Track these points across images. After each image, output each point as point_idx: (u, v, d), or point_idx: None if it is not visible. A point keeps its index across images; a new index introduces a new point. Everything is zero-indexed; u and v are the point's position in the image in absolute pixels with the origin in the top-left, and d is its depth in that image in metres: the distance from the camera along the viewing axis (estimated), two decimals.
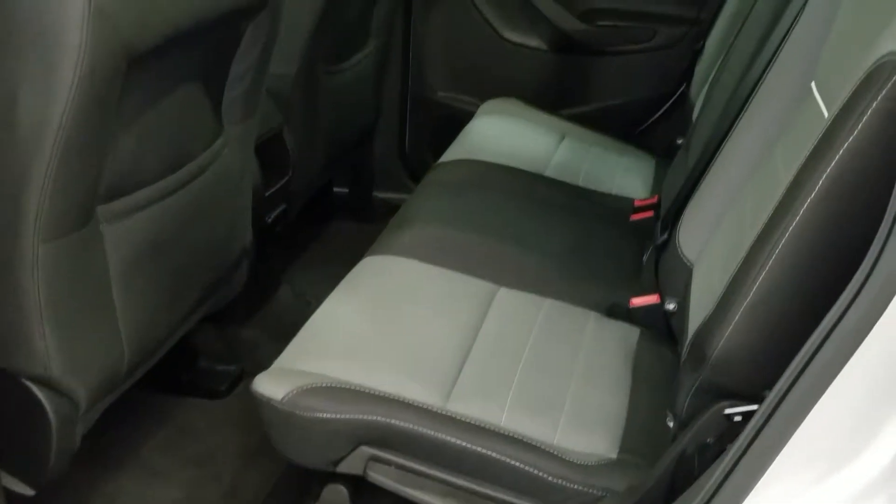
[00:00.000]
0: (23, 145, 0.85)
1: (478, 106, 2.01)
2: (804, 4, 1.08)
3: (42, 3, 0.80)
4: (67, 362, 0.99)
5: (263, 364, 1.03)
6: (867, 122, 0.64)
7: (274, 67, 1.38)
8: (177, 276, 1.18)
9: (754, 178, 1.02)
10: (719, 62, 1.58)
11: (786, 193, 0.74)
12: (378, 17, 1.93)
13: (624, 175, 1.81)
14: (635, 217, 1.59)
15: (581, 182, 1.74)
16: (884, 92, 0.63)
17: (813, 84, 0.94)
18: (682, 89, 1.99)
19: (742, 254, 0.81)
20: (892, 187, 0.57)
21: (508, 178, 1.68)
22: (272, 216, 1.59)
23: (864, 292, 0.56)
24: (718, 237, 1.03)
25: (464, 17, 2.11)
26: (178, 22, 0.95)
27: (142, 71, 0.93)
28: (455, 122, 1.97)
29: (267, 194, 1.53)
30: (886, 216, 0.56)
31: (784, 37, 1.12)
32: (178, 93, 1.08)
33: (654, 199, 1.60)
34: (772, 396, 0.64)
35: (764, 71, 1.15)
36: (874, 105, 0.64)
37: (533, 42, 2.11)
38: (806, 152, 0.77)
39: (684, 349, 0.89)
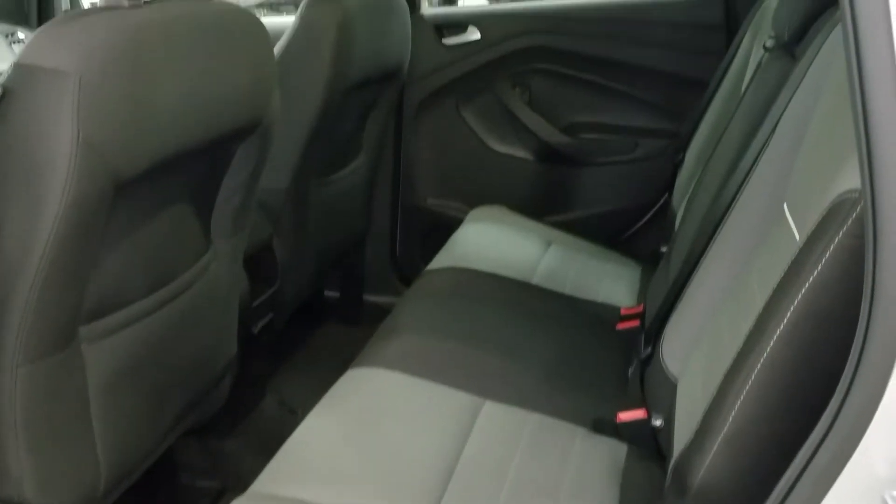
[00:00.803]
0: (5, 271, 0.86)
1: (466, 212, 2.06)
2: (775, 126, 1.13)
3: (32, 135, 0.83)
4: (42, 485, 0.96)
5: (246, 479, 1.01)
6: (830, 257, 0.66)
7: (265, 181, 1.41)
8: (158, 394, 1.16)
9: (731, 295, 1.03)
10: (698, 175, 1.62)
11: (758, 322, 0.75)
12: (370, 131, 2.00)
13: (610, 282, 1.82)
14: (621, 326, 1.59)
15: (568, 289, 1.75)
16: (845, 228, 0.65)
17: (785, 205, 0.96)
18: (664, 198, 2.04)
19: (720, 377, 0.81)
20: (857, 323, 0.58)
21: (495, 286, 1.69)
22: (259, 326, 1.59)
23: (833, 431, 0.56)
24: (699, 355, 1.03)
25: (452, 129, 2.19)
26: (167, 149, 0.98)
27: (129, 195, 0.95)
28: (445, 227, 2.01)
29: (254, 304, 1.54)
30: (851, 355, 0.57)
31: (757, 156, 1.16)
32: (166, 212, 1.11)
33: (640, 308, 1.61)
34: None
35: (739, 188, 1.18)
36: (836, 241, 0.66)
37: (519, 153, 2.18)
38: (778, 276, 0.78)
39: (668, 473, 0.88)
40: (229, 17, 1.10)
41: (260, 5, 6.30)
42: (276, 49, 1.59)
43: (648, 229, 2.12)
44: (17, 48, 1.79)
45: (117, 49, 0.86)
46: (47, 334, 0.91)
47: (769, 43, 1.34)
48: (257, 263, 1.54)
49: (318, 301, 2.21)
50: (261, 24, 1.17)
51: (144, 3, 0.95)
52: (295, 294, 1.76)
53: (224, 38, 1.07)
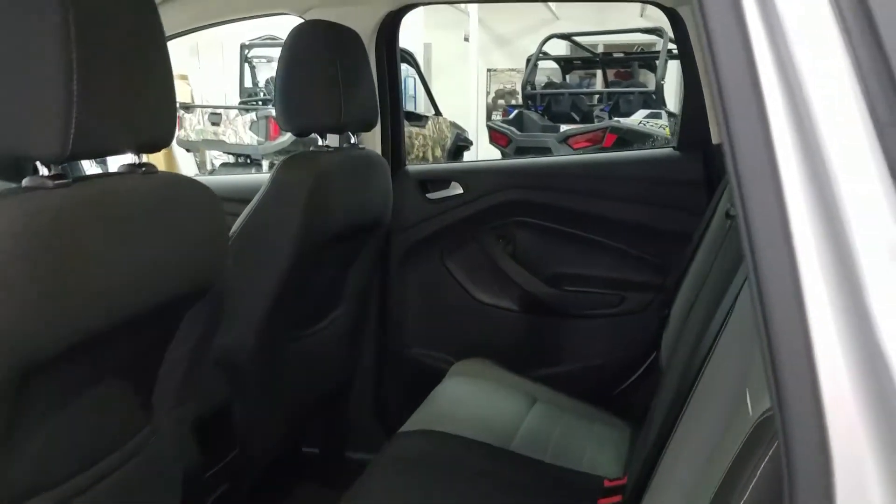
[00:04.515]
0: None
1: (452, 362, 1.99)
2: (734, 302, 1.07)
3: None
4: None
5: None
6: (759, 476, 0.58)
7: (225, 340, 1.35)
8: None
9: (702, 478, 0.94)
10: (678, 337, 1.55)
11: None
12: (352, 282, 1.97)
13: (596, 447, 1.71)
14: (603, 502, 1.47)
15: (549, 456, 1.64)
16: (770, 452, 0.58)
17: (747, 391, 0.89)
18: (654, 355, 1.96)
19: None
20: None
21: (470, 453, 1.59)
22: (212, 498, 1.49)
23: None
24: None
25: (437, 279, 2.17)
26: (90, 328, 0.93)
27: (47, 376, 0.90)
28: (430, 379, 1.94)
29: (207, 475, 1.44)
30: None
31: (720, 330, 1.09)
32: (96, 388, 1.04)
33: (624, 480, 1.50)
34: None
35: (704, 360, 1.11)
36: (763, 464, 0.58)
37: (504, 303, 2.14)
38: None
39: None
40: (170, 188, 1.08)
41: (279, 152, 6.59)
42: (248, 207, 1.59)
43: (639, 386, 2.02)
44: None
45: (27, 233, 0.83)
46: None
47: (732, 211, 1.31)
48: (212, 430, 1.46)
49: (295, 458, 2.10)
50: (208, 192, 1.15)
51: (73, 180, 0.93)
52: (259, 457, 1.66)
53: (162, 209, 1.05)
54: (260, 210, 1.56)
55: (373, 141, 2.09)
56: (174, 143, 7.72)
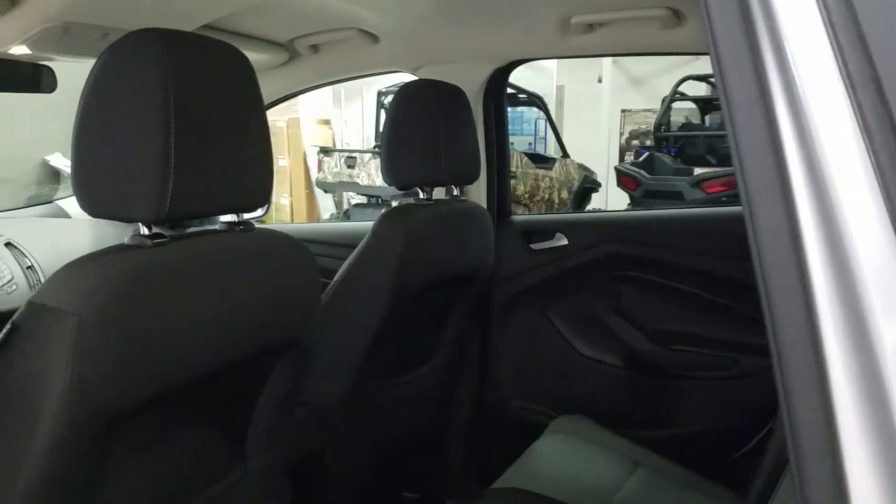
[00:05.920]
0: None
1: (551, 416, 1.94)
2: None
3: (28, 371, 0.85)
4: None
5: None
6: None
7: (319, 386, 1.39)
8: None
9: None
10: None
11: None
12: (450, 332, 1.98)
13: None
14: None
15: None
16: None
17: None
18: (771, 424, 1.81)
19: None
20: None
21: None
22: None
23: None
24: None
25: (539, 330, 2.13)
26: (177, 379, 0.98)
27: (133, 422, 0.95)
28: (528, 431, 1.91)
29: None
30: None
31: None
32: (185, 433, 1.10)
33: None
34: None
35: None
36: None
37: (608, 358, 2.07)
38: None
39: None
40: (263, 245, 1.12)
41: (407, 194, 6.81)
42: (350, 258, 1.65)
43: (755, 457, 1.87)
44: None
45: (122, 290, 0.89)
46: None
47: None
48: (306, 474, 1.51)
49: (396, 503, 2.12)
50: (301, 248, 1.19)
51: (171, 238, 1.00)
52: (350, 503, 1.69)
53: (254, 265, 1.10)
54: (358, 261, 1.62)
55: (478, 192, 2.11)
56: (314, 184, 8.17)
